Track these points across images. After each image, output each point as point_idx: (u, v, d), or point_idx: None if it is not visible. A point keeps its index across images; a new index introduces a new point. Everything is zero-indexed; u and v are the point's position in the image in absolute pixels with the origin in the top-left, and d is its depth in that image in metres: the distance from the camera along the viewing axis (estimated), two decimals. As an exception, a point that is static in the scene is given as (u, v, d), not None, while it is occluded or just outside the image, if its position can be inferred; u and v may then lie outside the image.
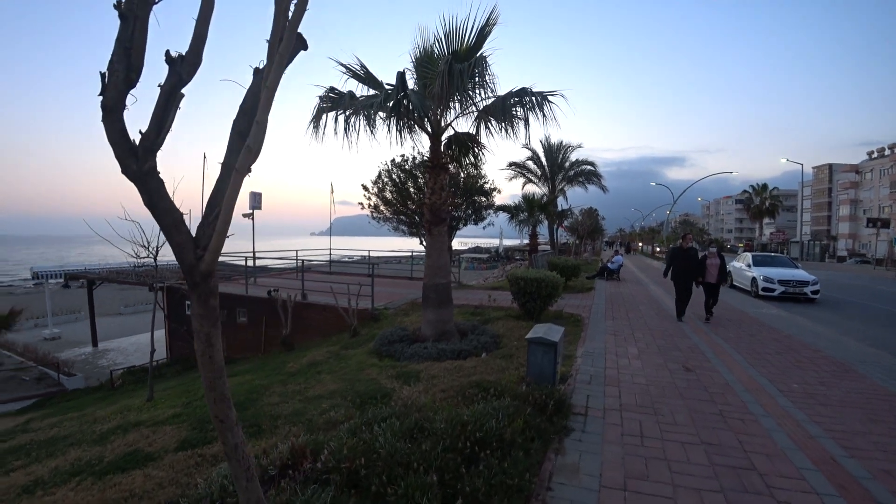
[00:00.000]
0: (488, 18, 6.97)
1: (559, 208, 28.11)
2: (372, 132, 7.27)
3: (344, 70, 7.55)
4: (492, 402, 4.44)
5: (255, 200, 17.11)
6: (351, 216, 23.50)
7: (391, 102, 6.72)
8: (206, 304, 2.05)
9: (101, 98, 1.70)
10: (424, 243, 8.54)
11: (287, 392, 6.04)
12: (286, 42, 1.74)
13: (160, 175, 1.86)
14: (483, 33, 7.07)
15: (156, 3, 1.80)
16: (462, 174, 21.22)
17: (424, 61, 7.49)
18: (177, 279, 16.16)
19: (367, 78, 7.61)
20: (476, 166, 21.36)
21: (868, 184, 65.56)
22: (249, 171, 2.06)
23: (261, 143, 1.71)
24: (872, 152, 65.74)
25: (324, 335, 11.35)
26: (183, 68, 1.73)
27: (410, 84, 7.77)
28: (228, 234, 2.04)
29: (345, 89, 7.24)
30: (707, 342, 7.97)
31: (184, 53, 1.86)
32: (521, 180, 26.90)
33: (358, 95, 7.32)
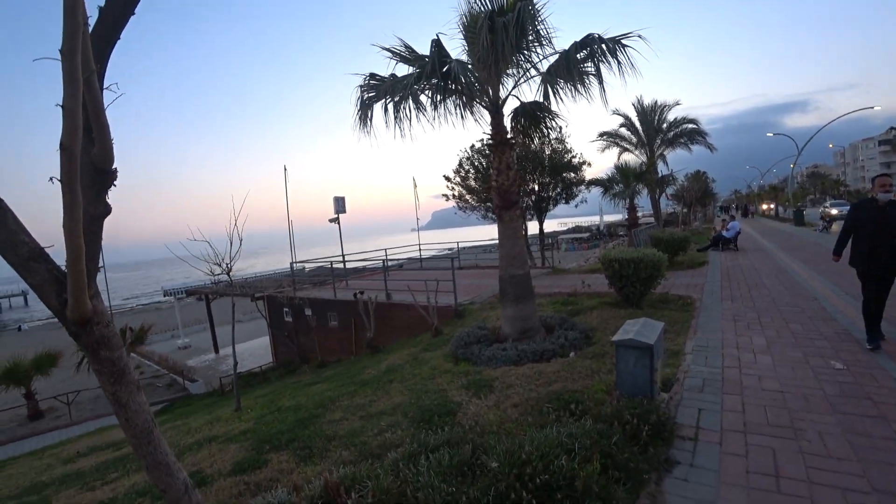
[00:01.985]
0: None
1: (659, 175, 25.47)
2: (419, 111, 6.69)
3: (389, 55, 6.97)
4: (568, 424, 3.57)
5: (339, 205, 17.25)
6: (449, 208, 23.37)
7: (433, 78, 5.99)
8: (98, 358, 1.51)
9: None
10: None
11: (352, 406, 5.64)
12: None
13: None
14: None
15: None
16: (546, 150, 19.87)
17: (471, 27, 6.64)
18: (275, 288, 16.99)
19: (413, 58, 6.95)
20: (561, 140, 19.89)
21: None
22: (109, 161, 1.46)
23: (79, 102, 1.08)
24: None
25: (411, 335, 11.02)
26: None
27: (463, 57, 7.00)
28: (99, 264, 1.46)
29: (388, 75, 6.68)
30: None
31: None
32: (616, 150, 24.88)
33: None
